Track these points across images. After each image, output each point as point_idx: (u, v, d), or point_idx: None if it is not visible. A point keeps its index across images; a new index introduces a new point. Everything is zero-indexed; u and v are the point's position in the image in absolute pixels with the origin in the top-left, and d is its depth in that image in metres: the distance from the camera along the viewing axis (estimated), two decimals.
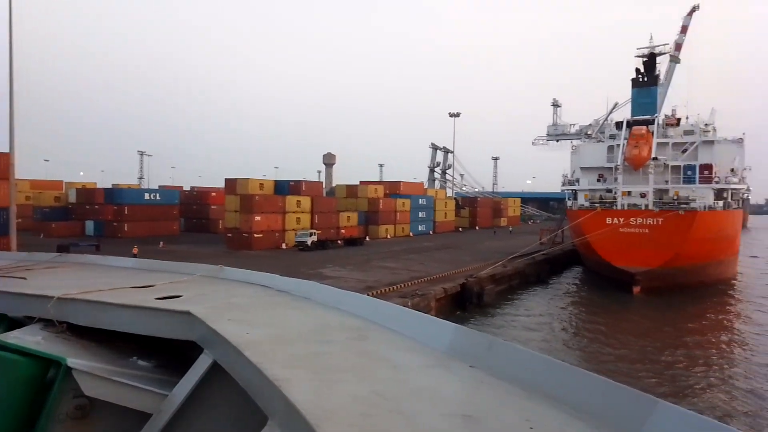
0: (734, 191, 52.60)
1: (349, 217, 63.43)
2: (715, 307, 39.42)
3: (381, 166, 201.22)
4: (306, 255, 48.57)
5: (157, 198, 68.67)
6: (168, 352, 4.15)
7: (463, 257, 48.45)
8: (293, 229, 55.86)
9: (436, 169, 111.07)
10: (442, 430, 2.21)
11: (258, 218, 52.33)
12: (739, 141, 53.45)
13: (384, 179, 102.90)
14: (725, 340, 30.40)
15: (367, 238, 65.43)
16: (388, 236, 70.54)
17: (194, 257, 37.25)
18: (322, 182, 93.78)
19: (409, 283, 33.65)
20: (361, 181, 77.62)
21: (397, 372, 2.85)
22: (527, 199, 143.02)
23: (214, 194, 75.67)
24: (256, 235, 51.90)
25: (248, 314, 4.08)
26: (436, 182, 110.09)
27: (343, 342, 3.37)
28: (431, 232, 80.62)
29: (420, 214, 78.84)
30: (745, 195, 72.34)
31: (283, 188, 60.02)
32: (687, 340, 29.46)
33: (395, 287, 32.14)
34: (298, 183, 61.38)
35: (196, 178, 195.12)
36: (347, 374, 2.76)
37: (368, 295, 29.24)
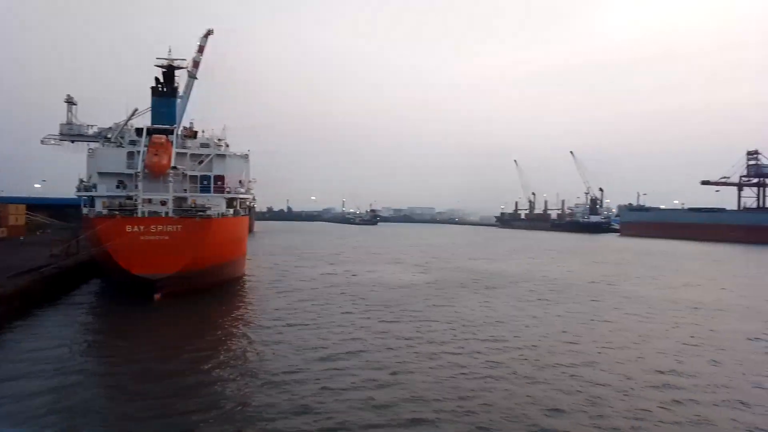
0: (242, 200, 60.42)
1: None
2: (232, 304, 44.15)
3: None
4: None
5: None
6: None
7: None
8: None
9: None
10: None
11: None
12: (246, 156, 61.81)
13: None
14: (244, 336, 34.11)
15: None
16: None
17: None
18: None
19: None
20: None
21: None
22: (37, 206, 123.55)
23: None
24: None
25: None
26: None
27: None
28: None
29: None
30: (252, 203, 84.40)
31: None
32: (205, 341, 31.48)
33: None
34: None
35: None
36: None
37: None
